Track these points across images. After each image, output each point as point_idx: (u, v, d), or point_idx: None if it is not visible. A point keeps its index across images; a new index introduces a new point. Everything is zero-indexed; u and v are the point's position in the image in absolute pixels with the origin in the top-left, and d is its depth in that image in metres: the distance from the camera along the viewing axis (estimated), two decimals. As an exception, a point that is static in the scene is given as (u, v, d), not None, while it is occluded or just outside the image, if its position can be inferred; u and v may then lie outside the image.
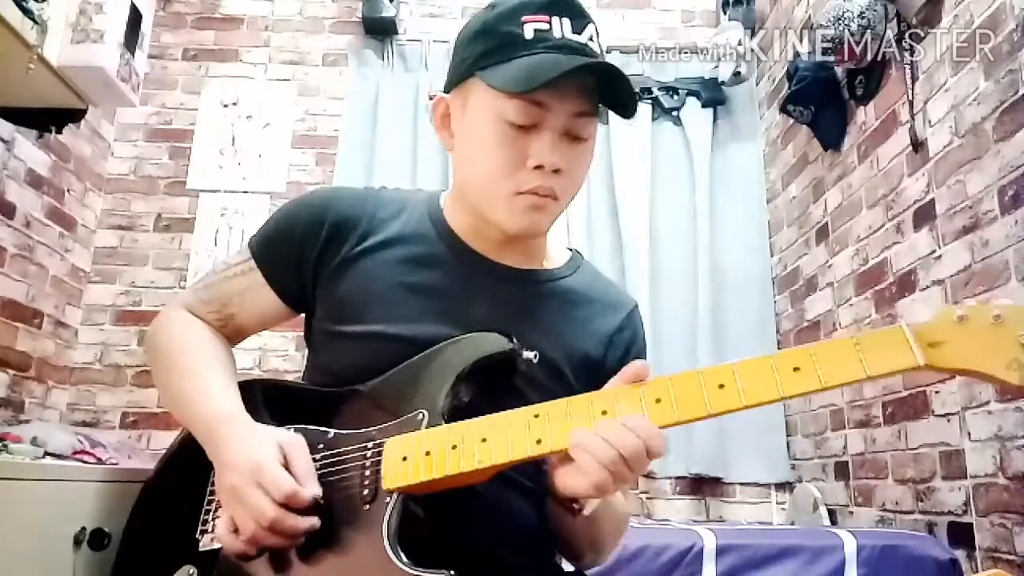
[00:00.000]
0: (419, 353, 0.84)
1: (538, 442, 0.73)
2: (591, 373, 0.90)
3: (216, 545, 0.81)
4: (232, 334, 0.97)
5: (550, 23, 0.82)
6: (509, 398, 0.80)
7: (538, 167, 0.82)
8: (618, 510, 0.89)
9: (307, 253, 0.91)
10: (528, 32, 0.82)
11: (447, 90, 0.91)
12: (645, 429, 0.69)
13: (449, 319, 0.87)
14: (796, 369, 0.69)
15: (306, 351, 0.99)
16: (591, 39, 0.84)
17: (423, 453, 0.76)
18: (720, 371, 0.71)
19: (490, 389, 0.84)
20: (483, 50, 0.84)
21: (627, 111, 0.84)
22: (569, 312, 0.93)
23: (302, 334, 1.00)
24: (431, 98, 1.04)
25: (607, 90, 0.83)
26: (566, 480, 0.73)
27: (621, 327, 0.96)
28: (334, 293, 0.91)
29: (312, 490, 0.76)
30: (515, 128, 0.82)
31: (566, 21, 0.83)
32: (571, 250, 1.02)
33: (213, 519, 0.83)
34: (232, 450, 0.78)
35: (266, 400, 0.89)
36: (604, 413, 0.72)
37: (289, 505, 0.74)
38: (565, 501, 0.77)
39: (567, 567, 0.96)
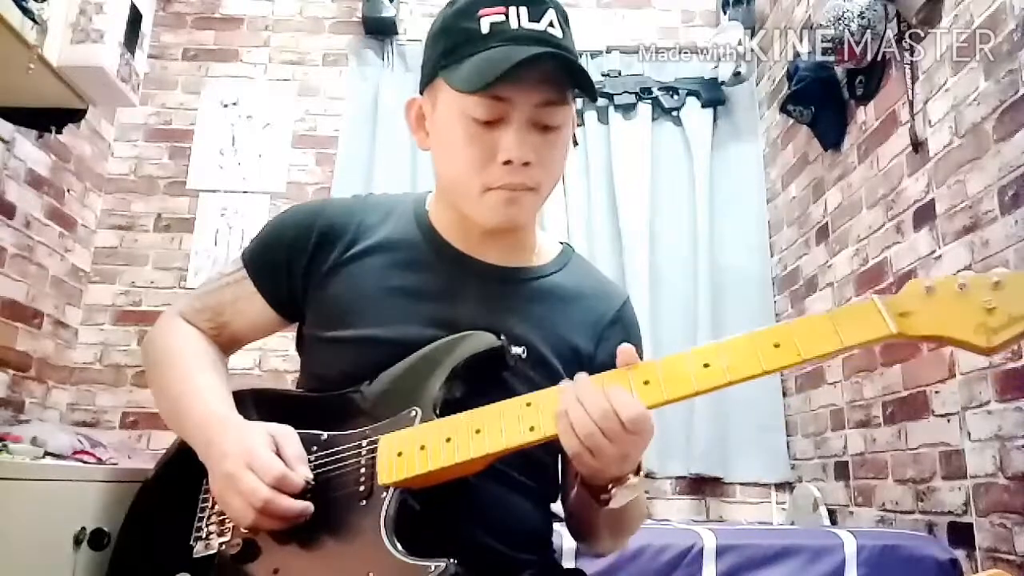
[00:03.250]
0: (408, 355, 0.86)
1: (531, 429, 0.75)
2: (583, 367, 0.90)
3: (211, 551, 0.81)
4: (227, 342, 0.98)
5: (506, 14, 0.82)
6: (500, 394, 0.80)
7: (507, 162, 0.82)
8: (640, 501, 0.89)
9: (296, 261, 0.93)
10: (484, 26, 0.82)
11: (421, 91, 0.92)
12: (618, 396, 0.70)
13: (437, 320, 0.88)
14: (776, 345, 0.72)
15: (305, 353, 0.99)
16: (551, 24, 0.83)
17: (418, 447, 0.77)
18: (705, 350, 0.74)
19: (481, 386, 0.85)
20: (443, 49, 0.85)
21: (589, 94, 0.84)
22: (557, 307, 0.93)
23: (299, 338, 1.00)
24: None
25: (571, 75, 0.83)
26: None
27: (613, 320, 0.96)
28: (323, 299, 0.92)
29: (302, 473, 0.77)
30: (481, 124, 0.83)
31: (523, 10, 0.82)
32: (563, 243, 1.03)
33: (207, 525, 0.84)
34: (224, 442, 0.79)
35: (259, 408, 0.90)
36: None
37: (281, 488, 0.75)
38: (595, 491, 0.77)
39: (565, 563, 0.96)
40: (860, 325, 0.71)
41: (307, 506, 0.76)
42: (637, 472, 0.76)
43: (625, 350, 0.76)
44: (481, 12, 0.82)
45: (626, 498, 0.76)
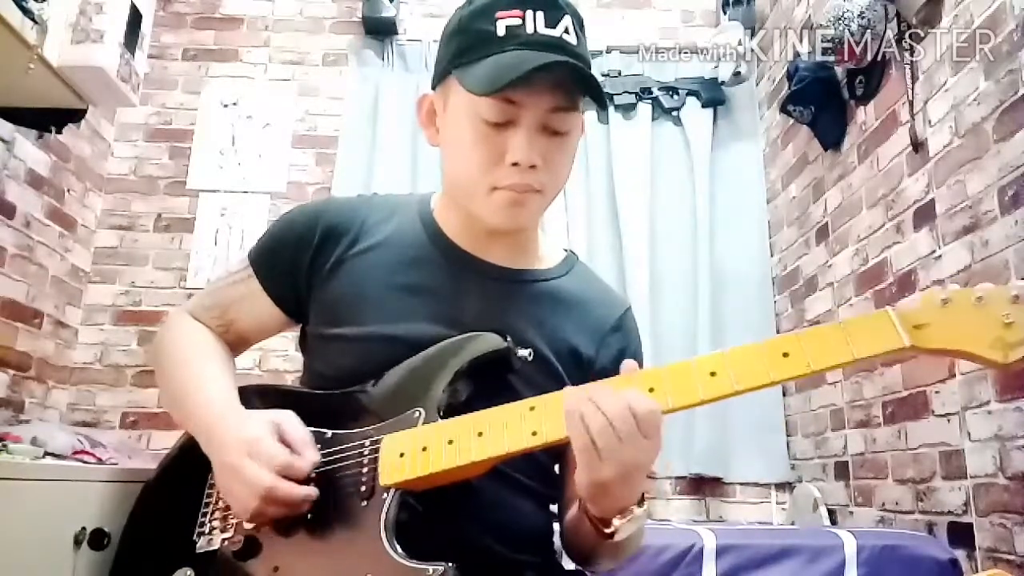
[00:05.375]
0: (412, 353, 0.86)
1: (534, 434, 0.74)
2: (583, 371, 0.90)
3: (213, 547, 0.81)
4: (234, 341, 0.99)
5: (523, 18, 0.82)
6: (504, 396, 0.80)
7: (515, 164, 0.82)
8: (642, 527, 0.87)
9: (301, 259, 0.93)
10: (500, 29, 0.82)
11: (433, 87, 0.92)
12: (630, 392, 0.69)
13: (440, 319, 0.88)
14: (785, 355, 0.71)
15: (307, 352, 1.00)
16: (567, 31, 0.83)
17: (420, 449, 0.77)
18: (711, 359, 0.73)
19: (485, 388, 0.85)
20: (458, 48, 0.86)
21: (599, 102, 0.84)
22: (560, 310, 0.93)
23: (301, 336, 1.00)
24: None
25: (583, 83, 0.83)
26: (576, 479, 0.72)
27: (615, 327, 0.96)
28: (327, 297, 0.92)
29: (309, 457, 0.78)
30: (491, 126, 0.83)
31: (540, 15, 0.82)
32: (566, 251, 1.03)
33: (210, 521, 0.84)
34: (225, 433, 0.80)
35: (263, 404, 0.89)
36: None
37: (286, 475, 0.76)
38: (596, 523, 0.76)
39: (567, 565, 0.96)
40: (872, 337, 0.69)
41: (311, 491, 0.77)
42: (641, 502, 0.75)
43: (627, 365, 0.76)
44: (498, 14, 0.83)
45: (630, 531, 0.75)
